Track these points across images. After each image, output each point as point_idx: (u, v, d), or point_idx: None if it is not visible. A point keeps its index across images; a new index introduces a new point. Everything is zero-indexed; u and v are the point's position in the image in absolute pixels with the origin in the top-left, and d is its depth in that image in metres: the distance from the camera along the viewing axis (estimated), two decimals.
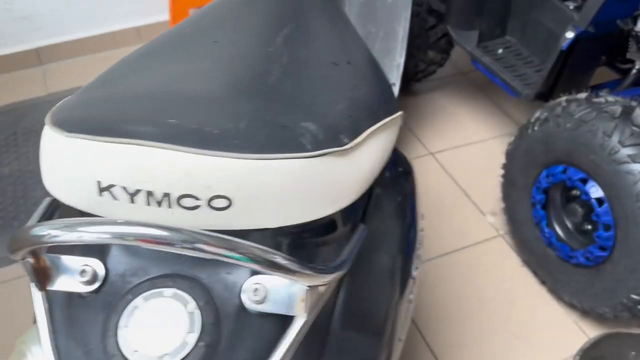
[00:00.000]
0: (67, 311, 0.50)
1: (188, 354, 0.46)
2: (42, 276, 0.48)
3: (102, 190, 0.46)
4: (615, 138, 1.13)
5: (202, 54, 0.63)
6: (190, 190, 0.45)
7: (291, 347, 0.47)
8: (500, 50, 1.71)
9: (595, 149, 1.16)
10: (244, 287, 0.49)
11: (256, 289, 0.48)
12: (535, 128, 1.30)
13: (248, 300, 0.49)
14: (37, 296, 0.49)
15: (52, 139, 0.48)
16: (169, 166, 0.44)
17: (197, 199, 0.45)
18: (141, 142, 0.44)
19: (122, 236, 0.40)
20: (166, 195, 0.45)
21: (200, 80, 0.56)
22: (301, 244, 0.51)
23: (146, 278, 0.49)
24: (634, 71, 1.53)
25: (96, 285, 0.49)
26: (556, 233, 1.34)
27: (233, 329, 0.48)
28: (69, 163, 0.47)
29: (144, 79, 0.57)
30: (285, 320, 0.49)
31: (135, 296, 0.48)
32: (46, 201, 0.58)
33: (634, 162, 1.10)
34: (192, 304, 0.48)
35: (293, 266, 0.43)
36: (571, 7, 1.44)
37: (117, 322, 0.48)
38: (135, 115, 0.48)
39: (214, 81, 0.55)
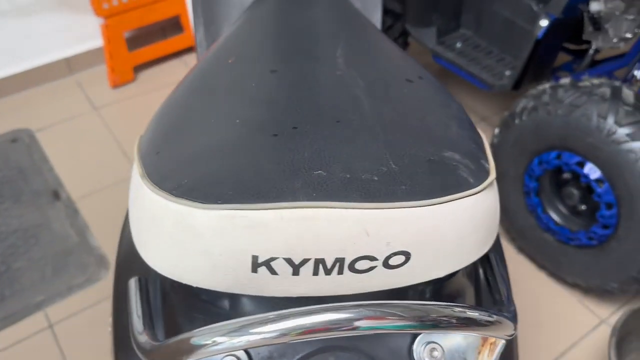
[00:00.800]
0: None
1: None
2: None
3: (258, 265, 0.38)
4: (610, 119, 1.16)
5: (267, 87, 0.55)
6: (368, 251, 0.38)
7: None
8: (458, 44, 1.73)
9: (592, 131, 1.18)
10: (415, 350, 0.43)
11: (433, 349, 0.42)
12: (524, 118, 1.31)
13: None
14: None
15: (180, 213, 0.39)
16: (345, 227, 0.37)
17: (374, 259, 0.38)
18: (304, 204, 0.36)
19: (333, 324, 0.33)
20: (338, 260, 0.38)
21: (292, 117, 0.48)
22: (444, 292, 0.46)
23: (298, 357, 0.41)
24: (590, 52, 1.58)
25: None
26: (553, 218, 1.36)
27: None
28: (211, 239, 0.38)
29: (228, 123, 0.48)
30: None
31: None
32: (134, 283, 0.49)
33: (634, 140, 1.13)
34: None
35: (496, 319, 0.37)
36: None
37: None
38: (271, 171, 0.40)
39: (310, 118, 0.48)
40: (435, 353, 0.42)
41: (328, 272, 0.38)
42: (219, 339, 0.35)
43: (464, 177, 0.42)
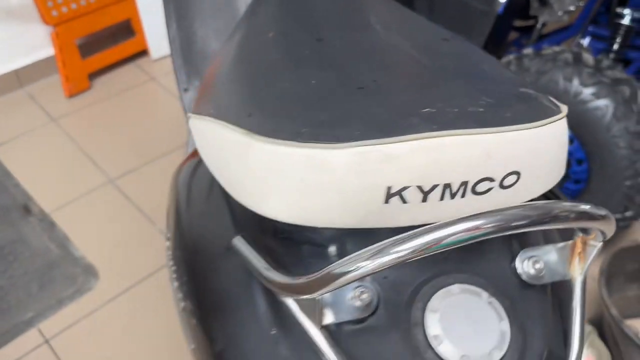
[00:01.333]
0: (351, 341, 0.43)
1: (509, 343, 0.43)
2: (318, 313, 0.42)
3: (390, 196, 0.41)
4: (575, 81, 1.26)
5: (322, 52, 0.58)
6: (487, 173, 0.41)
7: (583, 312, 0.46)
8: None
9: (560, 94, 1.28)
10: (517, 264, 0.47)
11: (534, 262, 0.47)
12: None
13: (527, 277, 0.47)
14: (319, 336, 0.42)
15: (312, 157, 0.41)
16: (469, 152, 0.40)
17: (492, 180, 0.42)
18: (431, 134, 0.40)
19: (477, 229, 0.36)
20: (463, 184, 0.41)
21: (364, 75, 0.51)
22: None
23: (418, 282, 0.45)
24: (538, 26, 1.70)
25: (374, 305, 0.43)
26: None
27: (524, 309, 0.46)
28: (346, 177, 0.40)
29: (305, 84, 0.51)
30: (557, 288, 0.48)
31: (425, 302, 0.44)
32: (239, 241, 0.50)
33: (598, 98, 1.24)
34: (484, 295, 0.45)
35: (606, 213, 0.41)
36: None
37: (424, 332, 0.43)
38: (384, 112, 0.43)
39: (382, 74, 0.51)
40: (537, 265, 0.47)
41: (452, 196, 0.41)
42: (362, 264, 0.37)
43: (549, 106, 0.47)
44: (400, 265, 0.44)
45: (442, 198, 0.41)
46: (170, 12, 1.34)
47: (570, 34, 1.66)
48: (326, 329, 0.43)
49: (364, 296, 0.43)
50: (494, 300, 0.45)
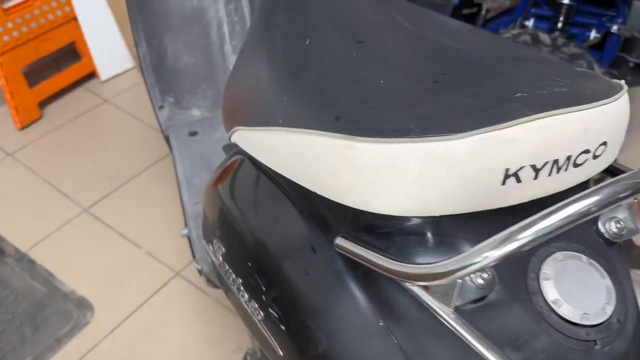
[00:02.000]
0: (477, 319, 0.46)
1: (604, 322, 0.47)
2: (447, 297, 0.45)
3: (507, 177, 0.44)
4: None
5: (370, 54, 0.60)
6: (586, 146, 0.46)
7: None
8: None
9: None
10: (600, 226, 0.52)
11: (616, 222, 0.52)
12: None
13: (610, 235, 0.52)
14: (454, 318, 0.45)
15: (432, 150, 0.43)
16: (572, 128, 0.44)
17: (588, 152, 0.46)
18: (539, 115, 0.43)
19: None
20: (568, 158, 0.45)
21: (428, 71, 0.54)
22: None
23: (524, 257, 0.49)
24: (483, 12, 1.80)
25: (494, 282, 0.47)
26: None
27: (613, 266, 0.51)
28: (467, 164, 0.43)
29: (374, 87, 0.53)
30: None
31: (536, 272, 0.48)
32: (343, 241, 0.52)
33: None
34: (584, 258, 0.49)
35: None
36: None
37: (543, 299, 0.47)
38: (480, 101, 0.46)
39: (443, 67, 0.55)
40: (619, 225, 0.52)
41: (558, 170, 0.46)
42: (490, 253, 0.41)
43: (610, 81, 0.52)
44: None
45: (550, 174, 0.45)
46: (139, 30, 1.32)
47: (514, 18, 1.77)
48: (458, 312, 0.46)
49: (486, 275, 0.47)
50: (592, 261, 0.49)
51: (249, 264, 0.66)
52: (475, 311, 0.48)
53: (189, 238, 1.14)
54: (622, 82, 0.52)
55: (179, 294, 1.40)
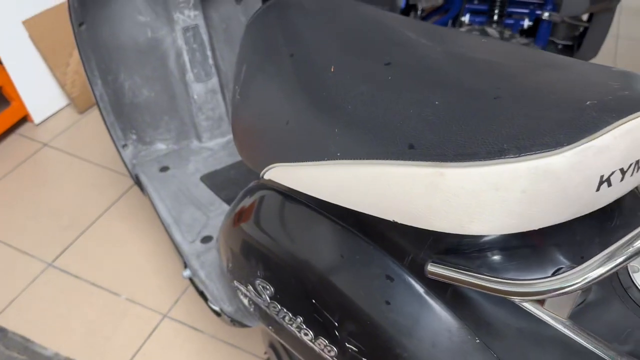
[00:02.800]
0: (582, 320, 0.48)
1: None
2: None
3: (601, 183, 0.46)
4: None
5: (404, 75, 0.61)
6: None
7: None
8: None
9: None
10: None
11: None
12: None
13: None
14: (570, 327, 0.47)
15: (535, 167, 0.44)
16: None
17: None
18: (622, 121, 0.45)
19: None
20: None
21: (476, 86, 0.55)
22: None
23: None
24: (418, 13, 1.87)
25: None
26: None
27: None
28: (569, 176, 0.44)
29: (427, 107, 0.54)
30: None
31: (624, 267, 0.50)
32: (435, 267, 0.52)
33: None
34: None
35: None
36: None
37: (638, 290, 0.49)
38: (556, 112, 0.48)
39: (484, 82, 0.56)
40: None
41: (638, 169, 0.48)
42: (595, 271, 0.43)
43: None
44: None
45: (632, 174, 0.48)
46: (93, 68, 1.25)
47: (450, 15, 1.85)
48: (570, 319, 0.48)
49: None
50: None
51: (313, 301, 0.64)
52: (579, 314, 0.50)
53: (191, 280, 1.09)
54: None
55: (173, 337, 1.34)
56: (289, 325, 0.70)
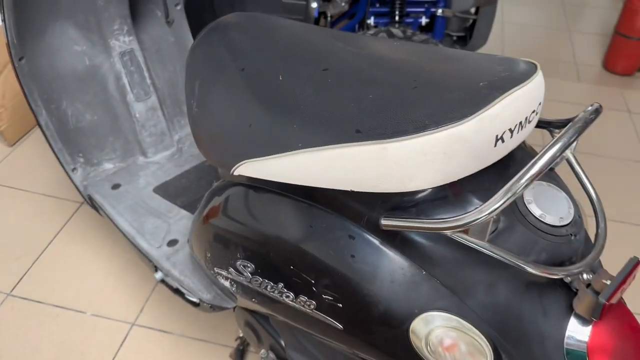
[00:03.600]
0: (498, 242, 0.66)
1: (572, 221, 0.70)
2: None
3: (497, 140, 0.63)
4: None
5: (344, 78, 0.75)
6: (533, 107, 0.67)
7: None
8: None
9: None
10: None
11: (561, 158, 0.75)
12: None
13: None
14: (489, 247, 0.64)
15: (451, 135, 0.61)
16: (529, 97, 0.64)
17: (534, 112, 0.68)
18: (510, 92, 0.63)
19: None
20: (525, 118, 0.66)
21: (402, 81, 0.71)
22: None
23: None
24: (328, 19, 2.05)
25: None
26: None
27: (564, 187, 0.74)
28: (476, 137, 0.61)
29: (367, 96, 0.69)
30: None
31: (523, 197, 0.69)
32: (388, 220, 0.68)
33: None
34: (562, 192, 0.71)
35: None
36: None
37: (533, 216, 0.68)
38: (465, 90, 0.64)
39: (406, 74, 0.72)
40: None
41: (522, 128, 0.66)
42: (511, 192, 0.61)
43: (527, 61, 0.73)
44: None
45: (518, 132, 0.66)
46: (36, 99, 1.32)
47: (357, 19, 2.04)
48: (488, 242, 0.65)
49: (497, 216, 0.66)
50: (550, 184, 0.72)
51: (291, 267, 0.79)
52: (495, 238, 0.68)
53: (163, 281, 1.20)
54: (530, 60, 0.75)
55: (144, 342, 1.43)
56: (271, 293, 0.84)
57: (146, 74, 1.43)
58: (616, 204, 1.90)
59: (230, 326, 1.47)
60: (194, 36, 1.71)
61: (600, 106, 0.69)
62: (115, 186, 1.42)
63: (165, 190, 1.39)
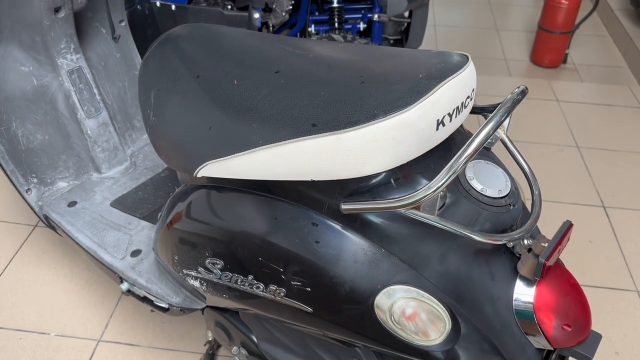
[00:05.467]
0: (446, 215, 0.73)
1: (510, 192, 0.78)
2: None
3: (438, 124, 0.70)
4: None
5: (294, 79, 0.80)
6: (468, 93, 0.74)
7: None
8: None
9: None
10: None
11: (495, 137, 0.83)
12: None
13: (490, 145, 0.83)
14: (438, 220, 0.71)
15: (399, 122, 0.67)
16: (462, 85, 0.72)
17: (469, 97, 0.75)
18: (447, 80, 0.70)
19: None
20: (462, 103, 0.73)
21: (350, 78, 0.77)
22: None
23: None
24: (271, 29, 2.10)
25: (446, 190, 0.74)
26: None
27: (501, 165, 0.82)
28: (420, 123, 0.68)
29: (315, 95, 0.75)
30: None
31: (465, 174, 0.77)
32: (347, 205, 0.74)
33: None
34: (499, 167, 0.79)
35: None
36: (230, 7, 1.89)
37: (474, 190, 0.76)
38: (406, 82, 0.71)
39: (351, 72, 0.79)
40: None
41: (458, 113, 0.74)
42: (453, 170, 0.68)
43: (459, 53, 0.81)
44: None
45: (456, 116, 0.74)
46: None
47: (298, 28, 2.11)
48: (438, 216, 0.72)
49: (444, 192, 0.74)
50: (488, 161, 0.80)
51: (260, 259, 0.84)
52: (444, 212, 0.75)
53: (130, 291, 1.21)
54: (462, 52, 0.83)
55: (112, 358, 1.44)
56: (242, 286, 0.88)
57: (95, 91, 1.45)
58: (554, 187, 2.04)
59: (198, 333, 1.49)
60: (140, 51, 1.73)
61: (526, 88, 0.78)
62: (72, 204, 1.42)
63: (123, 203, 1.41)
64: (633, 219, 1.90)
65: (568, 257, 1.75)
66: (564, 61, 2.88)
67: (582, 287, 1.62)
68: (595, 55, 3.01)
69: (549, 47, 2.80)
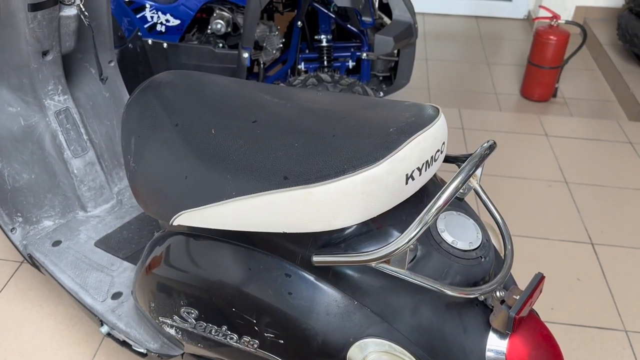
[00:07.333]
0: (416, 268, 0.74)
1: (480, 244, 0.78)
2: None
3: (407, 179, 0.71)
4: None
5: (272, 129, 0.81)
6: (438, 146, 0.75)
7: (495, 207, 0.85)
8: None
9: None
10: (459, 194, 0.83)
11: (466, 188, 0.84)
12: None
13: (462, 195, 0.84)
14: (408, 274, 0.71)
15: (367, 177, 0.68)
16: (431, 141, 0.73)
17: (439, 151, 0.76)
18: (415, 136, 0.71)
19: None
20: (431, 157, 0.74)
21: (324, 129, 0.78)
22: None
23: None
24: (262, 66, 2.14)
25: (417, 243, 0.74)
26: None
27: (473, 215, 0.83)
28: (388, 177, 0.68)
29: (291, 146, 0.76)
30: None
31: (437, 228, 0.77)
32: (319, 257, 0.74)
33: None
34: (471, 220, 0.80)
35: None
36: (221, 45, 1.92)
37: (446, 243, 0.76)
38: (376, 136, 0.72)
39: (330, 122, 0.79)
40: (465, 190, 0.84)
41: (428, 167, 0.75)
42: (423, 223, 0.68)
43: (430, 105, 0.83)
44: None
45: (426, 170, 0.75)
46: None
47: (289, 65, 2.14)
48: (409, 270, 0.72)
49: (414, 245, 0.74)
50: (460, 212, 0.81)
51: (233, 309, 0.83)
52: (414, 266, 0.76)
53: (109, 335, 1.21)
54: (433, 104, 0.85)
55: None
56: (216, 336, 0.88)
57: (82, 131, 1.46)
58: (542, 223, 2.04)
59: None
60: (129, 89, 1.75)
61: (494, 142, 0.79)
62: (56, 243, 1.42)
63: (107, 243, 1.41)
64: (621, 256, 1.89)
65: (556, 294, 1.74)
66: (554, 95, 2.92)
67: (570, 327, 1.62)
68: (585, 90, 3.05)
69: (539, 82, 2.84)
